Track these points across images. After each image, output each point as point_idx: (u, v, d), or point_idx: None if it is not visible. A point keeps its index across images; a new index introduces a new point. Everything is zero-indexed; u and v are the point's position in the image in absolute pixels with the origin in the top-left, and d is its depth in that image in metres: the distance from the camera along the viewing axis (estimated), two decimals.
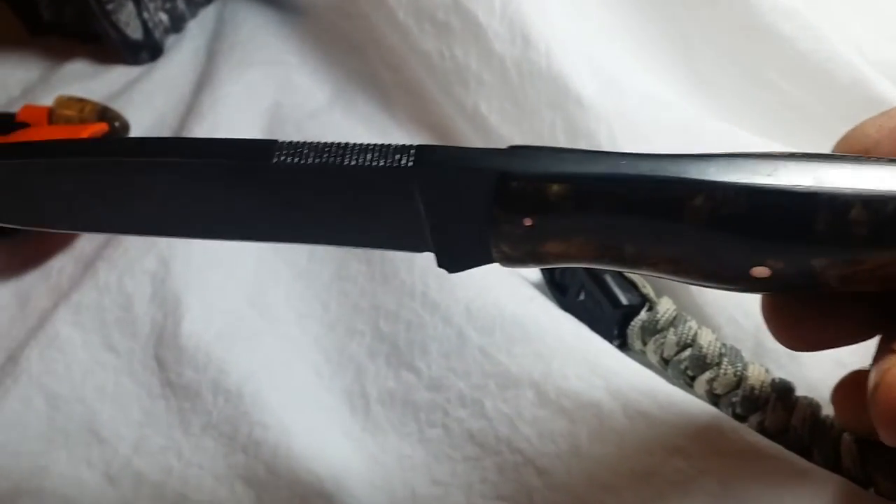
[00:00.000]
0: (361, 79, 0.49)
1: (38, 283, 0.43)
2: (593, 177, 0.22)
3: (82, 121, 0.48)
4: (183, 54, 0.55)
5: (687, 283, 0.23)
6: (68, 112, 0.48)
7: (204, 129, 0.46)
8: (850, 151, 0.25)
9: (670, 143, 0.37)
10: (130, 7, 0.53)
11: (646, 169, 0.22)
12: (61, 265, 0.44)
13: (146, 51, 0.55)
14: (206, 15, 0.59)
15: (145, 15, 0.54)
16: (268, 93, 0.49)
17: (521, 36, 0.40)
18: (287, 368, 0.36)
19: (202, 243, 0.39)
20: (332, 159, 0.24)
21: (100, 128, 0.45)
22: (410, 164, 0.24)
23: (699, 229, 0.22)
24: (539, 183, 0.23)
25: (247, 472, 0.33)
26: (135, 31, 0.54)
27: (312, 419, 0.34)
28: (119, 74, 0.55)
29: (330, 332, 0.37)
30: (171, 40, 0.57)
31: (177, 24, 0.57)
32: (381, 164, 0.24)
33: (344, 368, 0.36)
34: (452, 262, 0.25)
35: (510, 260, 0.24)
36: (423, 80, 0.45)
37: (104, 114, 0.48)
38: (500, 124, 0.40)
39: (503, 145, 0.39)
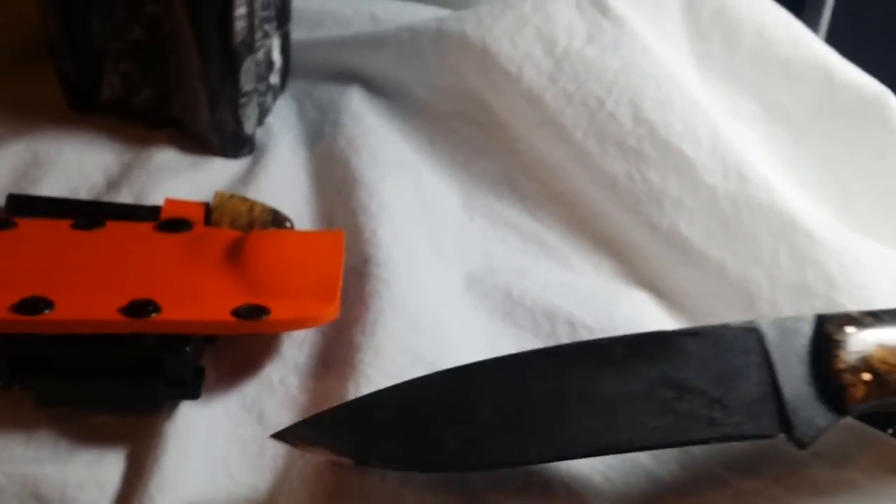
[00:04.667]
0: (492, 184, 0.52)
1: (263, 394, 0.41)
2: None
3: (252, 222, 0.46)
4: (281, 150, 0.54)
5: None
6: (236, 212, 0.46)
7: (384, 228, 0.46)
8: None
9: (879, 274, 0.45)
10: (255, 100, 0.51)
11: None
12: (280, 376, 0.42)
13: (250, 145, 0.53)
14: (281, 109, 0.57)
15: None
16: (411, 193, 0.50)
17: (737, 172, 0.46)
18: None
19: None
20: None
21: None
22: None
23: None
24: None
25: None
26: (250, 126, 0.52)
27: None
28: (220, 168, 0.53)
29: None
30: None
31: (261, 118, 0.55)
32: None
33: None
34: None
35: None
36: (590, 195, 0.49)
37: (276, 216, 0.46)
38: (706, 246, 0.46)
39: (706, 264, 0.45)
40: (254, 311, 0.38)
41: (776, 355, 0.34)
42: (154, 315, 0.37)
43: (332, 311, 0.40)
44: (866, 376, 0.34)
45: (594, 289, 0.46)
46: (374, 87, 0.56)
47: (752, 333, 0.35)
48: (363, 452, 0.34)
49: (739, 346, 0.35)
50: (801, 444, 0.33)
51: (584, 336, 0.44)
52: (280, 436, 0.35)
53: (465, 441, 0.33)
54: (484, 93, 0.51)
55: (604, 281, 0.48)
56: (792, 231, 0.45)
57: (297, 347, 0.43)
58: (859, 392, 0.34)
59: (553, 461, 0.35)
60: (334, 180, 0.51)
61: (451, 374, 0.35)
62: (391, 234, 0.47)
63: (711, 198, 0.46)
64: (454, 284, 0.47)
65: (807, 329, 0.35)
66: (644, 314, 0.45)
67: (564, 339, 0.44)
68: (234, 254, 0.42)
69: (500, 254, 0.49)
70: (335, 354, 0.42)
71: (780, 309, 0.43)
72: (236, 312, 0.38)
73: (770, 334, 0.35)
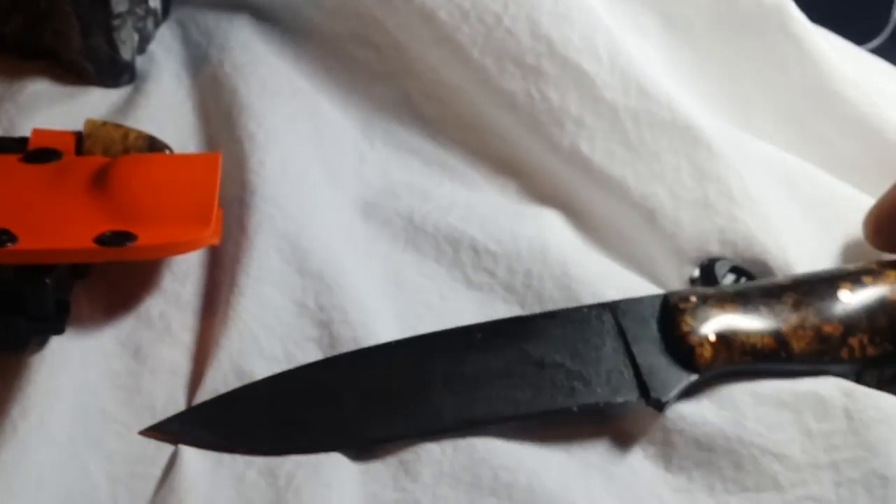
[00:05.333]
0: (395, 111, 0.50)
1: (141, 329, 0.38)
2: None
3: (126, 150, 0.43)
4: (165, 77, 0.50)
5: None
6: (109, 140, 0.43)
7: (273, 158, 0.44)
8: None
9: (783, 191, 0.45)
10: (130, 24, 0.48)
11: None
12: (160, 310, 0.39)
13: (129, 73, 0.50)
14: (164, 36, 0.54)
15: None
16: (306, 123, 0.48)
17: (637, 88, 0.44)
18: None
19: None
20: None
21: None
22: None
23: None
24: None
25: None
26: (126, 51, 0.49)
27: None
28: (97, 97, 0.49)
29: None
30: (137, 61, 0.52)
31: (142, 45, 0.52)
32: None
33: None
34: None
35: None
36: (491, 115, 0.47)
37: (153, 143, 0.43)
38: (607, 164, 0.44)
39: (608, 182, 0.44)
40: (118, 238, 0.36)
41: (629, 329, 0.37)
42: (9, 245, 0.34)
43: (207, 237, 0.37)
44: (711, 337, 0.36)
45: (499, 210, 0.45)
46: (263, 11, 0.53)
47: (606, 312, 0.38)
48: (230, 446, 0.34)
49: (594, 323, 0.37)
50: (659, 406, 0.35)
51: (489, 262, 0.42)
52: (150, 431, 0.35)
53: (331, 424, 0.35)
54: (377, 11, 0.49)
55: (509, 202, 0.46)
56: (694, 147, 0.43)
57: (179, 282, 0.41)
58: (707, 352, 0.36)
59: (420, 436, 0.35)
60: (221, 108, 0.47)
61: (317, 366, 0.37)
62: (280, 164, 0.44)
63: (612, 115, 0.45)
64: (352, 214, 0.45)
65: (656, 303, 0.38)
66: (549, 236, 0.43)
67: (468, 266, 0.42)
68: (101, 180, 0.39)
69: (402, 179, 0.47)
70: (217, 293, 0.40)
71: (682, 226, 0.42)
72: (99, 240, 0.35)
73: (623, 311, 0.38)
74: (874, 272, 0.38)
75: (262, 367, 0.36)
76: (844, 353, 0.36)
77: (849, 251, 0.43)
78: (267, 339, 0.37)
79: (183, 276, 0.41)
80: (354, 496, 0.33)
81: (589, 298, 0.40)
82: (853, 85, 0.47)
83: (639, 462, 0.35)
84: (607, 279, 0.41)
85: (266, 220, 0.41)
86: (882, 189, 0.43)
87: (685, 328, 0.36)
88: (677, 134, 0.44)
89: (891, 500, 0.32)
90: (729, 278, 0.41)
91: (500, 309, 0.41)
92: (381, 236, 0.44)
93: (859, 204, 0.43)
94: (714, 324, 0.36)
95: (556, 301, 0.40)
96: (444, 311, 0.41)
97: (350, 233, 0.43)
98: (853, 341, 0.36)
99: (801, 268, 0.41)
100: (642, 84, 0.44)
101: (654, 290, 0.42)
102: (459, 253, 0.43)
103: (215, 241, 0.39)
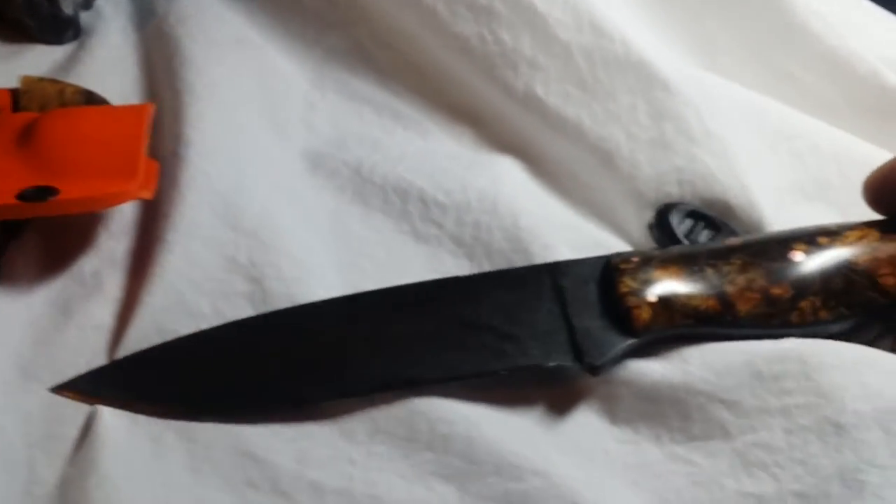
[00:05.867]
0: (348, 60, 0.48)
1: (72, 287, 0.37)
2: None
3: (63, 105, 0.41)
4: (111, 32, 0.49)
5: None
6: (46, 96, 0.41)
7: (212, 111, 0.42)
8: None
9: (748, 126, 0.43)
10: None
11: None
12: (94, 269, 0.38)
13: (72, 29, 0.48)
14: None
15: None
16: (251, 74, 0.46)
17: (590, 25, 0.42)
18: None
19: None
20: None
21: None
22: None
23: None
24: None
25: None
26: (68, 6, 0.47)
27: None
28: (40, 55, 0.48)
29: None
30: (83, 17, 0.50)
31: (88, 1, 0.50)
32: None
33: None
34: None
35: None
36: (445, 61, 0.45)
37: (90, 97, 0.42)
38: (562, 107, 0.42)
39: (564, 125, 0.42)
40: (40, 193, 0.35)
41: (569, 290, 0.35)
42: None
43: (133, 190, 0.36)
44: (651, 298, 0.34)
45: (452, 160, 0.43)
46: None
47: (545, 273, 0.36)
48: (144, 406, 0.33)
49: (533, 285, 0.35)
50: (593, 370, 0.33)
51: (437, 214, 0.41)
52: (61, 389, 0.34)
53: (257, 384, 0.34)
54: None
55: (464, 151, 0.44)
56: (649, 85, 0.41)
57: (115, 239, 0.39)
58: (645, 314, 0.33)
59: (341, 397, 0.34)
60: (164, 62, 0.46)
61: (241, 324, 0.35)
62: (220, 117, 0.42)
63: (566, 55, 0.42)
64: (298, 166, 0.43)
65: (599, 265, 0.36)
66: (502, 186, 0.41)
67: (416, 218, 0.41)
68: (28, 136, 0.37)
69: (352, 129, 0.45)
70: (150, 251, 0.38)
71: (640, 168, 0.40)
72: (21, 195, 0.34)
73: (563, 272, 0.36)
74: (832, 233, 0.35)
75: (189, 325, 0.35)
76: (794, 317, 0.33)
77: (824, 183, 0.41)
78: (194, 296, 0.36)
79: (119, 233, 0.40)
80: (282, 456, 0.32)
81: (539, 250, 0.38)
82: (819, 17, 0.45)
83: (583, 415, 0.34)
84: (560, 230, 0.40)
85: (200, 175, 0.39)
86: (854, 124, 0.41)
87: (623, 289, 0.34)
88: (633, 72, 0.42)
89: (843, 449, 0.31)
90: (687, 224, 0.39)
91: (447, 261, 0.39)
92: (328, 188, 0.42)
93: (832, 135, 0.41)
94: (655, 285, 0.34)
95: (504, 253, 0.39)
96: (389, 264, 0.39)
97: (295, 185, 0.42)
98: (804, 304, 0.33)
99: (768, 205, 0.39)
100: (595, 21, 0.42)
101: (611, 239, 0.40)
102: (407, 204, 0.41)
103: (147, 195, 0.38)
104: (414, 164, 0.42)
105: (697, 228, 0.38)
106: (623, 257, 0.35)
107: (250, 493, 0.32)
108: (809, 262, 0.34)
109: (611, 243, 0.40)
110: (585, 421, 0.34)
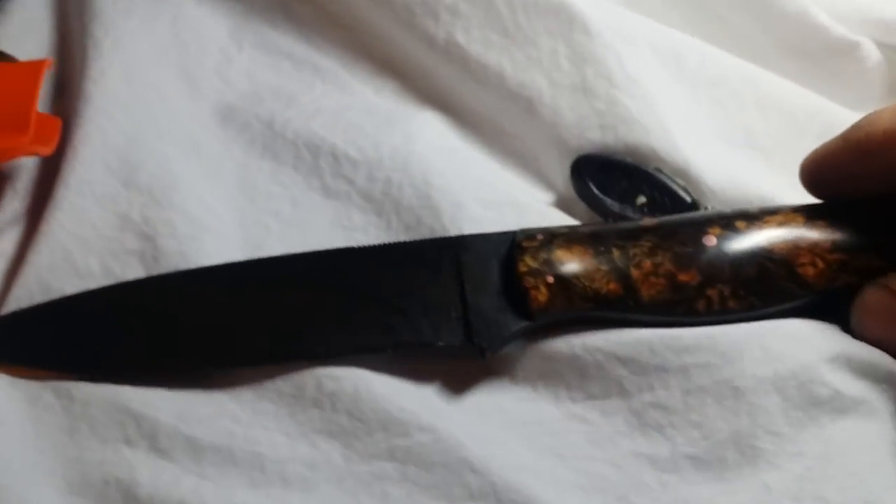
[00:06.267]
0: (268, 13, 0.46)
1: None
2: None
3: None
4: None
5: None
6: None
7: (116, 67, 0.41)
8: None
9: (670, 68, 0.41)
10: None
11: None
12: None
13: None
14: None
15: None
16: (165, 28, 0.44)
17: None
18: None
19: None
20: None
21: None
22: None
23: None
24: None
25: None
26: None
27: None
28: None
29: None
30: None
31: None
32: None
33: None
34: None
35: None
36: (366, 13, 0.44)
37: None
38: (484, 55, 0.40)
39: (486, 74, 0.40)
40: None
41: (468, 266, 0.33)
42: None
43: (24, 146, 0.35)
44: (549, 279, 0.32)
45: (369, 115, 0.41)
46: None
47: (447, 248, 0.34)
48: (20, 367, 0.32)
49: (432, 259, 0.34)
50: (481, 352, 0.32)
51: (348, 169, 0.39)
52: None
53: (135, 352, 0.33)
54: None
55: (383, 105, 0.42)
56: (570, 28, 0.39)
57: (19, 198, 0.38)
58: (542, 296, 0.32)
59: (226, 368, 0.33)
60: (77, 20, 0.44)
61: (125, 286, 0.34)
62: (124, 72, 0.41)
63: (487, 1, 0.41)
64: (207, 122, 0.41)
65: (506, 241, 0.34)
66: (417, 141, 0.39)
67: (327, 173, 0.39)
68: None
69: (269, 83, 0.43)
70: (44, 210, 0.37)
71: (562, 114, 0.38)
72: None
73: (466, 247, 0.34)
74: (751, 217, 0.33)
75: (76, 284, 0.34)
76: (701, 305, 0.31)
77: (748, 130, 0.40)
78: (82, 254, 0.34)
79: (24, 192, 0.38)
80: (162, 413, 0.31)
81: (449, 208, 0.36)
82: None
83: (482, 374, 0.33)
84: (475, 187, 0.38)
85: (95, 131, 0.38)
86: (781, 66, 0.39)
87: (522, 269, 0.32)
88: (553, 15, 0.40)
89: (740, 413, 0.29)
90: (602, 178, 0.37)
91: (355, 217, 0.38)
92: (238, 142, 0.40)
93: (756, 78, 0.39)
94: (555, 265, 0.32)
95: (414, 210, 0.37)
96: (295, 221, 0.38)
97: (202, 141, 0.40)
98: (712, 293, 0.31)
99: (691, 150, 0.37)
100: None
101: (528, 197, 0.39)
102: (319, 160, 0.39)
103: (45, 151, 0.36)
104: (329, 120, 0.41)
105: (613, 179, 0.36)
106: (528, 234, 0.33)
107: (126, 450, 0.31)
108: (722, 248, 0.32)
109: (526, 201, 0.38)
110: (485, 380, 0.33)
